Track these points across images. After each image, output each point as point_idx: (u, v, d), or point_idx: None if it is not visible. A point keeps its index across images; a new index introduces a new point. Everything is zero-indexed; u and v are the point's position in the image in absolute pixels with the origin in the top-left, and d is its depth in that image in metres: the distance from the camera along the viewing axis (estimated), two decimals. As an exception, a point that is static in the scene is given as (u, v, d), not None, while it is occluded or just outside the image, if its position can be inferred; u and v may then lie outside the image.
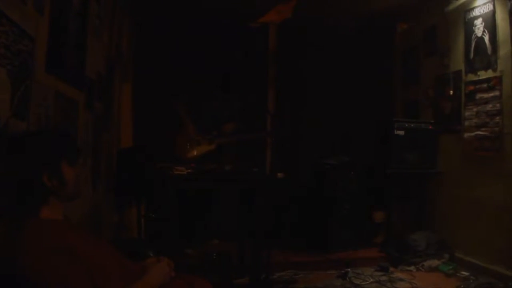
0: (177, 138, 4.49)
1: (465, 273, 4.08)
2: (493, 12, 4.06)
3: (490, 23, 4.10)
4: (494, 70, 4.07)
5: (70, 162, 1.72)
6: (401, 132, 4.79)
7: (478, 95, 4.27)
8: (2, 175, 1.60)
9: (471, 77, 4.38)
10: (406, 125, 4.83)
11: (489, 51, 4.13)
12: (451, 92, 4.67)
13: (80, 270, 1.53)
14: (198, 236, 4.61)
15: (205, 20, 5.07)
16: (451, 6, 4.64)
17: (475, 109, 4.31)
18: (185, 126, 4.46)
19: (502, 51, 3.99)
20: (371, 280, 3.99)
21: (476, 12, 4.29)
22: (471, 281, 3.89)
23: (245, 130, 4.63)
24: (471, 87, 4.37)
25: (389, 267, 4.30)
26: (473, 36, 4.33)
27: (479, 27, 4.25)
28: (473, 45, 4.35)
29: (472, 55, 4.37)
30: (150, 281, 1.79)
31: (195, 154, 4.40)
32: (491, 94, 4.10)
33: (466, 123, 4.43)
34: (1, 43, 1.66)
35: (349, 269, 4.15)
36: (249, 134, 4.59)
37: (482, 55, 4.23)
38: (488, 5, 4.12)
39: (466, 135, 4.43)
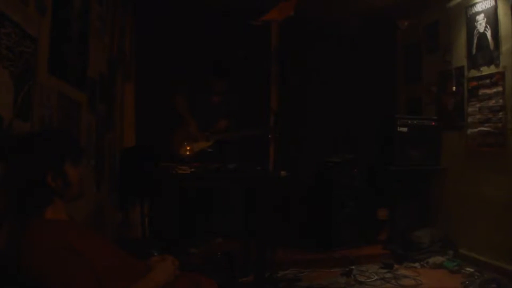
0: (174, 134, 4.49)
1: (470, 269, 4.08)
2: (495, 7, 4.05)
3: (492, 18, 4.09)
4: (497, 65, 4.06)
5: (74, 163, 1.73)
6: (404, 129, 4.78)
7: (481, 91, 4.26)
8: (6, 176, 1.61)
9: (474, 73, 4.37)
10: (409, 121, 4.82)
11: (492, 46, 4.12)
12: (454, 88, 4.65)
13: (85, 270, 1.54)
14: (202, 235, 4.62)
15: (207, 19, 5.07)
16: (453, 2, 4.63)
17: (478, 105, 4.30)
18: (186, 123, 4.47)
19: (505, 46, 3.98)
20: (376, 277, 3.99)
21: (478, 8, 4.28)
22: (476, 277, 3.88)
23: (241, 127, 4.63)
24: (474, 83, 4.36)
25: (394, 264, 4.30)
26: (475, 31, 4.32)
27: (481, 22, 4.24)
28: (475, 41, 4.33)
29: (474, 51, 4.36)
30: (154, 279, 1.80)
31: (193, 150, 4.40)
32: (494, 90, 4.09)
33: (469, 119, 4.42)
34: (3, 44, 1.66)
35: (353, 267, 4.15)
36: (249, 131, 4.59)
37: (484, 50, 4.22)
38: (490, 1, 4.11)
39: (469, 131, 4.42)
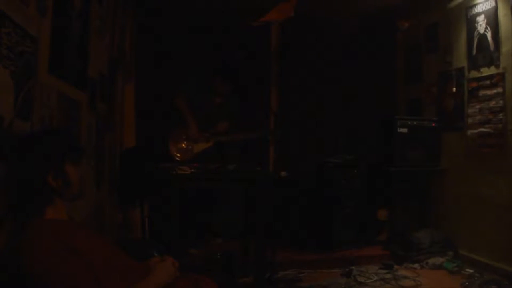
0: (174, 135, 4.47)
1: (470, 270, 4.08)
2: (495, 8, 4.06)
3: (492, 19, 4.09)
4: (497, 66, 4.07)
5: (74, 162, 1.73)
6: (404, 130, 4.78)
7: (481, 92, 4.26)
8: (7, 176, 1.61)
9: (474, 74, 4.37)
10: (409, 122, 4.82)
11: (492, 47, 4.12)
12: (454, 89, 4.66)
13: (85, 270, 1.53)
14: (201, 235, 4.62)
15: (208, 19, 5.07)
16: (453, 3, 4.63)
17: (478, 106, 4.30)
18: (187, 124, 4.45)
19: (505, 47, 3.99)
20: (376, 278, 3.99)
21: (478, 9, 4.28)
22: (476, 278, 3.88)
23: (242, 129, 4.62)
24: (474, 84, 4.36)
25: (393, 264, 4.30)
26: (475, 32, 4.32)
27: (481, 23, 4.24)
28: (475, 42, 4.34)
29: (474, 52, 4.36)
30: (154, 281, 1.80)
31: (192, 151, 4.40)
32: (494, 91, 4.09)
33: (469, 120, 4.42)
34: (4, 44, 1.66)
35: (353, 267, 4.15)
36: (250, 133, 4.59)
37: (484, 51, 4.22)
38: (490, 2, 4.11)
39: (469, 132, 4.42)
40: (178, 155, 4.30)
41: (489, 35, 4.15)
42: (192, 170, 3.57)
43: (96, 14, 3.19)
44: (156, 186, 3.74)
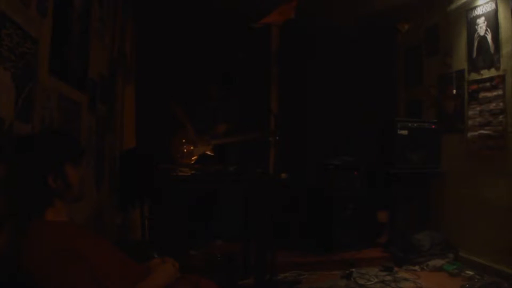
0: (173, 140, 4.48)
1: (470, 273, 4.07)
2: (496, 10, 4.06)
3: (493, 21, 4.10)
4: (497, 69, 4.07)
5: (74, 164, 1.73)
6: (404, 132, 4.77)
7: (481, 94, 4.26)
8: (7, 177, 1.61)
9: (474, 76, 4.38)
10: (409, 124, 4.82)
11: (492, 50, 4.12)
12: (454, 91, 4.66)
13: (85, 271, 1.53)
14: (202, 237, 4.61)
15: (208, 21, 5.07)
16: (453, 5, 4.64)
17: (478, 108, 4.30)
18: (185, 128, 4.46)
19: (505, 49, 3.99)
20: (376, 280, 3.99)
21: (478, 11, 4.29)
22: (476, 280, 3.88)
23: (242, 131, 4.62)
24: (474, 86, 4.36)
25: (394, 267, 4.29)
26: (475, 35, 4.33)
27: (481, 26, 4.24)
28: (475, 44, 4.34)
29: (475, 54, 4.36)
30: (155, 282, 1.80)
31: (193, 156, 4.40)
32: (494, 93, 4.09)
33: (470, 122, 4.42)
34: (5, 45, 1.66)
35: (353, 269, 4.14)
36: (249, 135, 4.59)
37: (485, 54, 4.22)
38: (491, 4, 4.12)
39: (469, 134, 4.42)
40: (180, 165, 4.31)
41: (489, 37, 4.15)
42: (193, 171, 3.57)
43: (96, 15, 3.19)
44: (156, 187, 3.74)
